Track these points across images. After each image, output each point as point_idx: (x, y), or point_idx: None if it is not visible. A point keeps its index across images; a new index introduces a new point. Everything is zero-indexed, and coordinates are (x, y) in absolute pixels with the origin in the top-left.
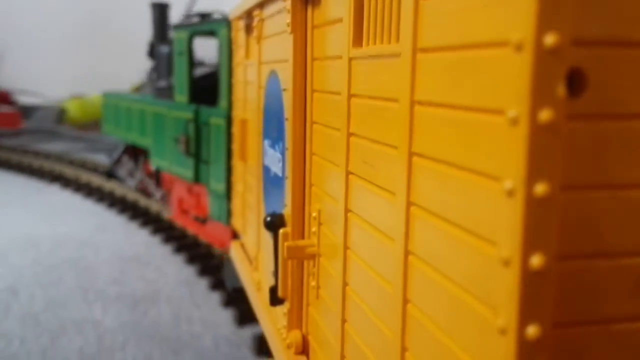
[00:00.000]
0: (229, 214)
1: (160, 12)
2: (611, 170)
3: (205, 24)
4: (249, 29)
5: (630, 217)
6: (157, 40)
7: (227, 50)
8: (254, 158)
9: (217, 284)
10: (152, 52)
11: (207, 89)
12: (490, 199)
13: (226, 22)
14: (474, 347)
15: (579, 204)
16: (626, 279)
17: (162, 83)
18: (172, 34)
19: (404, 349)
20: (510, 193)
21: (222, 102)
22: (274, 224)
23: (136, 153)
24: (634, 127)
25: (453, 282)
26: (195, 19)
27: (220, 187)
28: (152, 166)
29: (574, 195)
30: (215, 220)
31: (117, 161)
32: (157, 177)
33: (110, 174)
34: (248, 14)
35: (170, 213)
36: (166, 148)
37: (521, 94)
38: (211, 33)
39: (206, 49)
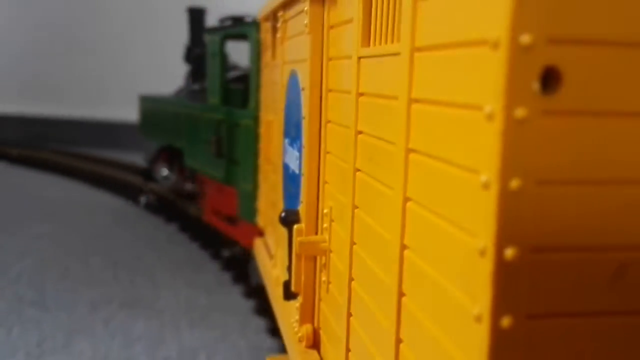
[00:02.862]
0: (256, 212)
1: (196, 17)
2: (586, 165)
3: (237, 27)
4: (274, 30)
5: (605, 212)
6: (193, 44)
7: (257, 52)
8: (276, 157)
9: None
10: (189, 57)
11: (240, 91)
12: (469, 191)
13: (256, 25)
14: (456, 335)
15: (554, 198)
16: (601, 273)
17: (196, 86)
18: (206, 38)
19: (399, 341)
20: (486, 186)
21: (252, 103)
22: (288, 219)
23: (171, 155)
24: (608, 123)
25: (440, 272)
26: (228, 22)
27: (249, 186)
28: (187, 167)
29: (548, 189)
30: (244, 220)
31: (154, 163)
32: (192, 178)
33: (147, 176)
34: (273, 15)
35: (202, 214)
36: (199, 149)
37: (497, 91)
38: (242, 36)
39: (241, 54)
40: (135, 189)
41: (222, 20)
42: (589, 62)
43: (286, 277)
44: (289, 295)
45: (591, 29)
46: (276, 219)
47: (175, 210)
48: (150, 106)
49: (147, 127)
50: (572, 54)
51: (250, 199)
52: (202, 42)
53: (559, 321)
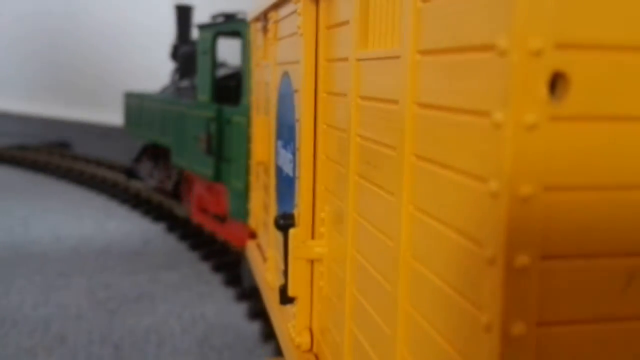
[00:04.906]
0: (247, 212)
1: (184, 14)
2: (595, 171)
3: (230, 24)
4: (265, 30)
5: (615, 218)
6: (180, 41)
7: (250, 49)
8: (268, 158)
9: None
10: (175, 54)
11: (230, 89)
12: (477, 199)
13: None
14: (463, 345)
15: (564, 204)
16: (612, 279)
17: (184, 83)
18: (197, 34)
19: (401, 348)
20: (495, 194)
21: (244, 101)
22: (284, 223)
23: (156, 152)
24: (617, 128)
25: (444, 280)
26: (220, 19)
27: (240, 185)
28: (173, 165)
29: (558, 195)
30: (235, 218)
31: (137, 160)
32: (177, 176)
33: (130, 174)
34: (264, 16)
35: (189, 212)
36: (187, 147)
37: (505, 97)
38: (235, 33)
39: (228, 52)
40: None
41: (214, 17)
42: (596, 66)
43: (281, 281)
44: (285, 299)
45: (598, 33)
46: (269, 221)
47: None
48: (136, 103)
49: (133, 125)
50: (580, 59)
51: (241, 197)
52: (190, 39)
53: (569, 328)
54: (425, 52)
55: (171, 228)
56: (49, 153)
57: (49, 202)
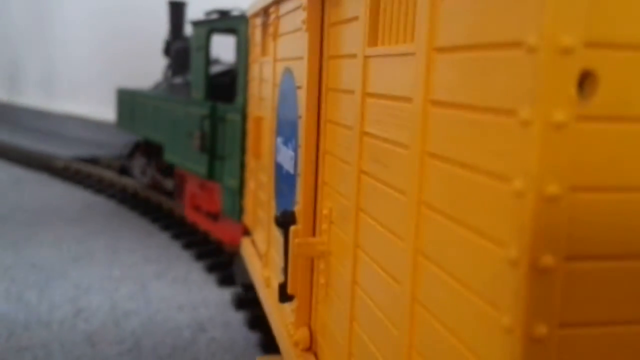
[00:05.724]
0: (241, 210)
1: (177, 10)
2: (622, 172)
3: (225, 21)
4: (265, 26)
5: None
6: (173, 38)
7: (246, 46)
8: (267, 155)
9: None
10: (168, 50)
11: (224, 86)
12: (498, 198)
13: (245, 19)
14: (480, 346)
15: (589, 205)
16: (635, 281)
17: (178, 80)
18: (191, 31)
19: (410, 349)
20: (519, 193)
21: (239, 98)
22: (284, 221)
23: (149, 149)
24: None
25: (460, 281)
26: (215, 16)
27: (234, 183)
28: (166, 162)
29: (583, 196)
30: (228, 217)
31: (130, 157)
32: (170, 173)
33: (123, 170)
34: (265, 11)
35: (182, 209)
36: (180, 144)
37: (533, 95)
38: (231, 30)
39: (221, 48)
40: None
41: (208, 13)
42: (625, 66)
43: (280, 279)
44: (284, 297)
45: (628, 32)
46: (266, 218)
47: None
48: (129, 100)
49: (125, 122)
50: (609, 58)
51: (235, 195)
52: (183, 35)
53: (591, 329)
54: (442, 50)
55: (241, 302)
56: (120, 171)
57: (89, 243)
